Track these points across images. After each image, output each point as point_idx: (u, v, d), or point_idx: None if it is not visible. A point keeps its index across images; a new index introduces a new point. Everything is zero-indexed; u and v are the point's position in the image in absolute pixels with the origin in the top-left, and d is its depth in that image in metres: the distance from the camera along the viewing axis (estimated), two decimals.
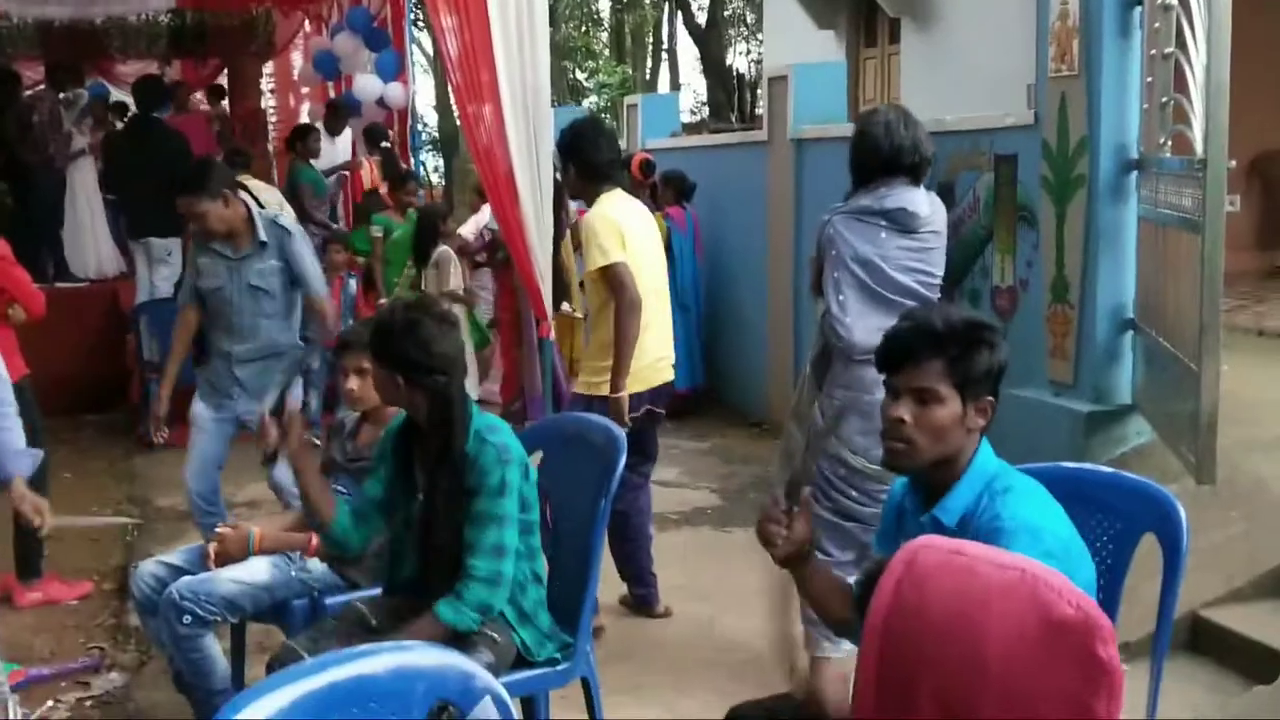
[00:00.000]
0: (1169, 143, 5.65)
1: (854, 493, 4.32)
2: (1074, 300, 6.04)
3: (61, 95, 11.59)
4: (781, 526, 2.71)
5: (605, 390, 5.19)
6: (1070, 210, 6.01)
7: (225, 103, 14.28)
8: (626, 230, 5.28)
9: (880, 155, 4.40)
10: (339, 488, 4.22)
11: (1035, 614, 1.83)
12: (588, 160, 5.43)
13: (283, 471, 4.97)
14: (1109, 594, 3.03)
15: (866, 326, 4.26)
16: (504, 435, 3.57)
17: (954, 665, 1.83)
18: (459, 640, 3.38)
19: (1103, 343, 5.98)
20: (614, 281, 5.20)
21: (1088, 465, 3.43)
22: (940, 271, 4.52)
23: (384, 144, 12.27)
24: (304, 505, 3.78)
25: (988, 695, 1.84)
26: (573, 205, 7.82)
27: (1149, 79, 5.73)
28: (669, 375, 5.50)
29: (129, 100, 12.41)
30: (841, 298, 4.36)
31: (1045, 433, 5.91)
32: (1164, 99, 5.59)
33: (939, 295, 4.49)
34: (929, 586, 1.83)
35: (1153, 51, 5.66)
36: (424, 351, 3.50)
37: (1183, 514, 3.00)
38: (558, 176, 6.20)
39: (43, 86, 12.24)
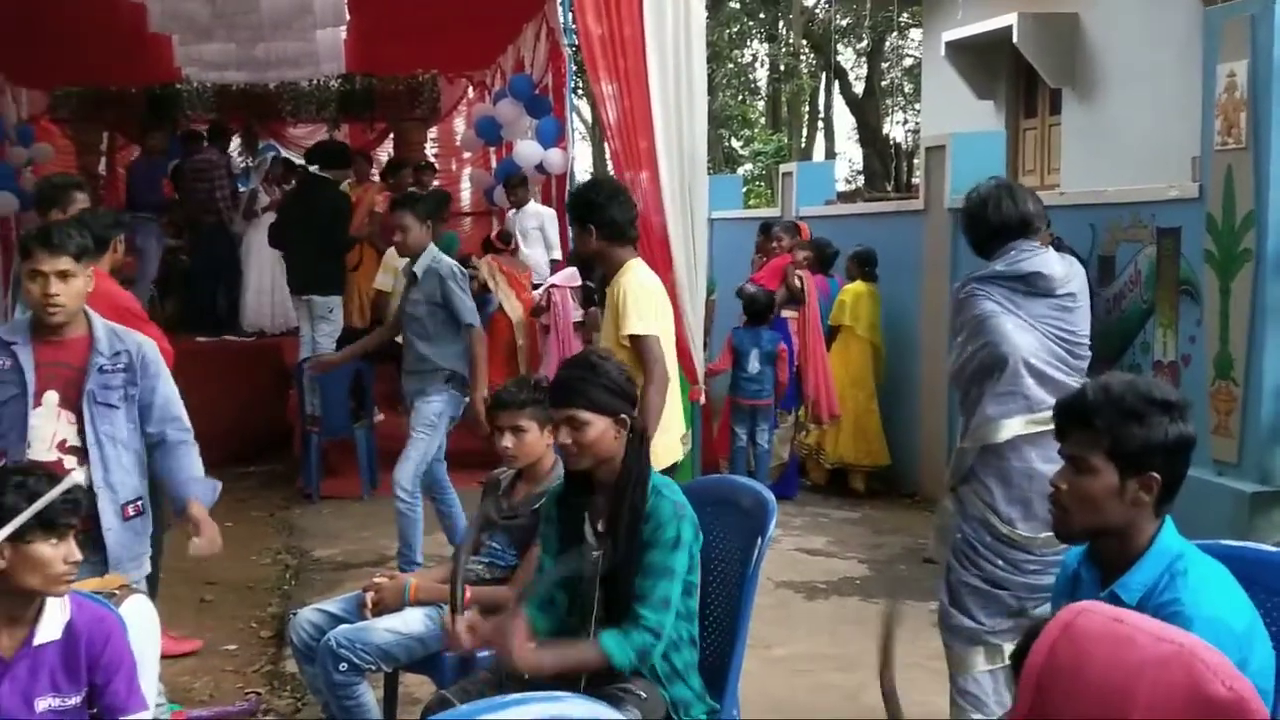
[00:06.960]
0: None
1: (1000, 561, 4.25)
2: (1239, 377, 5.90)
3: (241, 158, 11.98)
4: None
5: None
6: (1236, 285, 5.89)
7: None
8: (660, 304, 5.10)
9: (989, 226, 4.38)
10: (494, 544, 4.32)
11: (1187, 688, 1.82)
12: (614, 220, 5.10)
13: None
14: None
15: (1023, 339, 4.22)
16: (677, 492, 3.63)
17: None
18: (608, 695, 3.41)
19: (1269, 421, 5.83)
20: (647, 354, 4.95)
21: (1249, 544, 3.31)
22: (1085, 332, 4.45)
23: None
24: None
25: None
26: None
27: None
28: (680, 455, 5.26)
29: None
30: (993, 318, 4.30)
31: (1207, 513, 5.75)
32: None
33: (1087, 358, 4.41)
34: (1085, 650, 1.82)
35: None
36: (633, 390, 3.67)
37: None
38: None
39: (209, 147, 12.64)
